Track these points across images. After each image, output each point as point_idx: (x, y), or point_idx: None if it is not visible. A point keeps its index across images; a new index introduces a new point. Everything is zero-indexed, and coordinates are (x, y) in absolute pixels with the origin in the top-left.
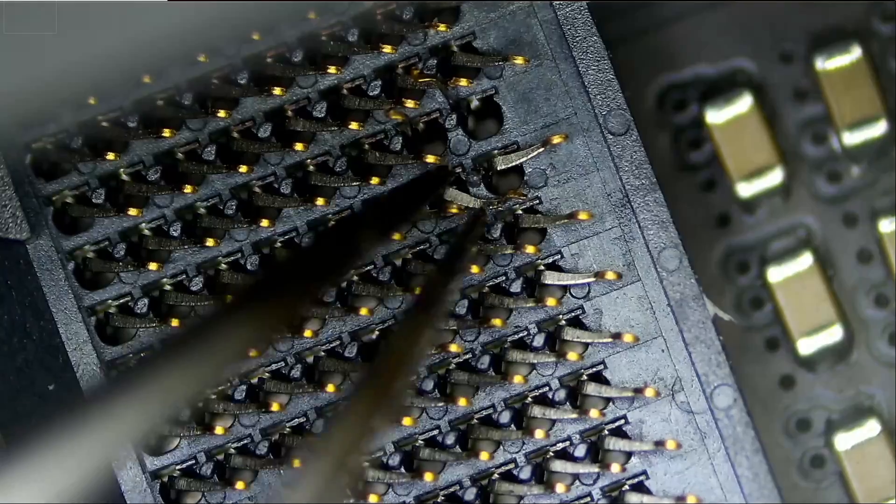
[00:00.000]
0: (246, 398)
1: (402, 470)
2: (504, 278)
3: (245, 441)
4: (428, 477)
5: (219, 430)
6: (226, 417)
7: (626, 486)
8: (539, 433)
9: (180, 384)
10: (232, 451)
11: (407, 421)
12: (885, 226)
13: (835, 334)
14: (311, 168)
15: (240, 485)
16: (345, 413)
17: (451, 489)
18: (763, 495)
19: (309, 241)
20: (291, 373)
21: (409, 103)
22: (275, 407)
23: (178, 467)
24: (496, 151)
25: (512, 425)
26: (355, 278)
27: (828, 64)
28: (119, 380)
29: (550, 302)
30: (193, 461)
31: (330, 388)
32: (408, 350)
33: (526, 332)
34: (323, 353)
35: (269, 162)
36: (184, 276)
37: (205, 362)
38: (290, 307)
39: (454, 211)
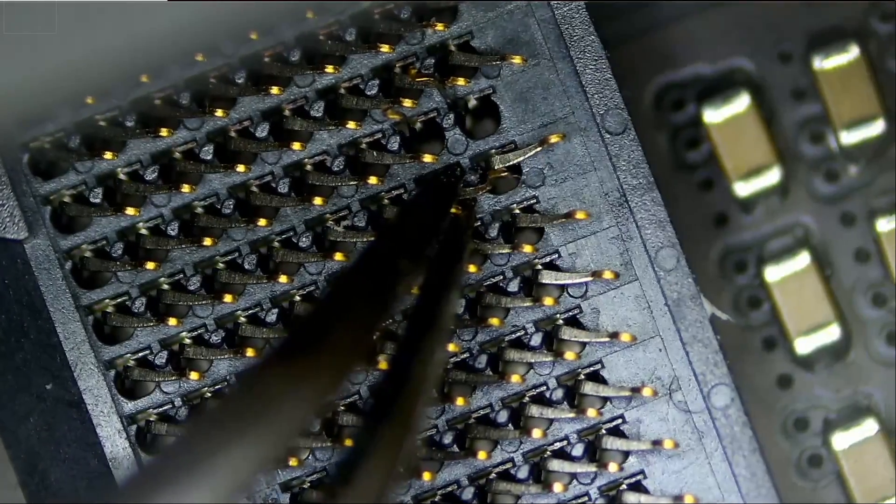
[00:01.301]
0: None
1: None
2: (501, 277)
3: None
4: (425, 476)
5: None
6: None
7: (624, 486)
8: (536, 432)
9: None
10: None
11: None
12: (883, 225)
13: (832, 334)
14: (309, 167)
15: None
16: (375, 451)
17: (449, 488)
18: (760, 495)
19: (344, 283)
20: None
21: (407, 102)
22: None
23: None
24: (494, 151)
25: (509, 425)
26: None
27: (826, 63)
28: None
29: (548, 301)
30: None
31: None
32: (424, 378)
33: (523, 332)
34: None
35: (266, 161)
36: (181, 276)
37: (260, 437)
38: (348, 358)
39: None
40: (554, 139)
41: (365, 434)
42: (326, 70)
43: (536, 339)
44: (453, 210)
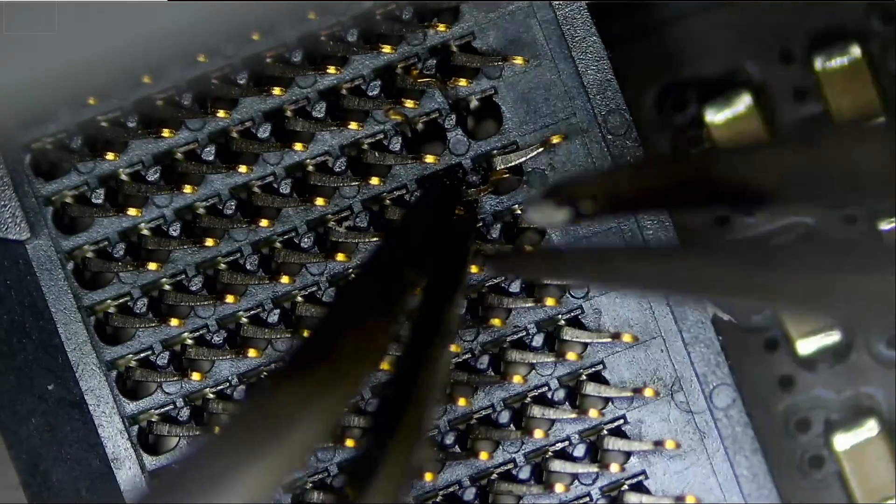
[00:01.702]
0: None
1: None
2: (503, 278)
3: None
4: (427, 477)
5: (218, 429)
6: (225, 417)
7: (625, 486)
8: (538, 433)
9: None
10: None
11: None
12: (885, 226)
13: (834, 334)
14: (311, 168)
15: None
16: (386, 458)
17: (451, 489)
18: (762, 495)
19: (351, 294)
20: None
21: (409, 103)
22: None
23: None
24: (495, 151)
25: (511, 425)
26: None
27: (827, 64)
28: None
29: (549, 302)
30: None
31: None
32: (431, 385)
33: (525, 332)
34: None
35: (268, 162)
36: (183, 276)
37: (272, 451)
38: (359, 371)
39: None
40: (556, 140)
41: (375, 442)
42: (328, 71)
43: (538, 340)
44: (456, 212)
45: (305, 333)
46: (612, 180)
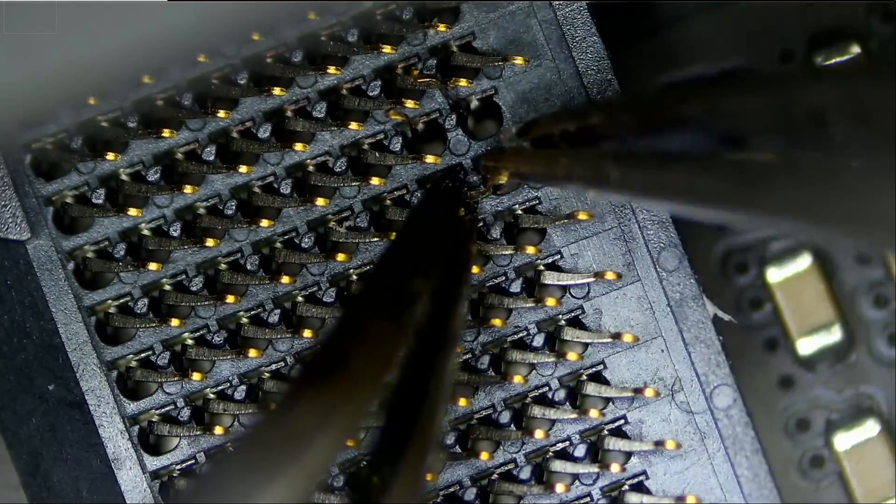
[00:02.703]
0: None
1: None
2: (504, 278)
3: None
4: (427, 477)
5: (218, 429)
6: (225, 417)
7: (626, 486)
8: (539, 433)
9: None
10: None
11: None
12: None
13: (834, 334)
14: (311, 168)
15: None
16: (400, 467)
17: (451, 489)
18: (762, 495)
19: (359, 308)
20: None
21: (409, 103)
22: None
23: (177, 467)
24: None
25: (512, 425)
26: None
27: (827, 64)
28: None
29: (550, 302)
30: (193, 461)
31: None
32: (440, 396)
33: (526, 332)
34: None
35: (268, 162)
36: (183, 276)
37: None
38: (372, 386)
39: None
40: None
41: (387, 456)
42: (328, 71)
43: (539, 340)
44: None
45: (308, 334)
46: (585, 116)
